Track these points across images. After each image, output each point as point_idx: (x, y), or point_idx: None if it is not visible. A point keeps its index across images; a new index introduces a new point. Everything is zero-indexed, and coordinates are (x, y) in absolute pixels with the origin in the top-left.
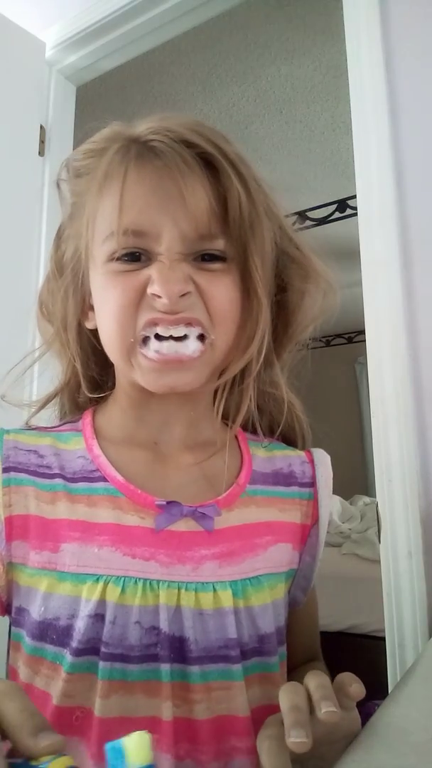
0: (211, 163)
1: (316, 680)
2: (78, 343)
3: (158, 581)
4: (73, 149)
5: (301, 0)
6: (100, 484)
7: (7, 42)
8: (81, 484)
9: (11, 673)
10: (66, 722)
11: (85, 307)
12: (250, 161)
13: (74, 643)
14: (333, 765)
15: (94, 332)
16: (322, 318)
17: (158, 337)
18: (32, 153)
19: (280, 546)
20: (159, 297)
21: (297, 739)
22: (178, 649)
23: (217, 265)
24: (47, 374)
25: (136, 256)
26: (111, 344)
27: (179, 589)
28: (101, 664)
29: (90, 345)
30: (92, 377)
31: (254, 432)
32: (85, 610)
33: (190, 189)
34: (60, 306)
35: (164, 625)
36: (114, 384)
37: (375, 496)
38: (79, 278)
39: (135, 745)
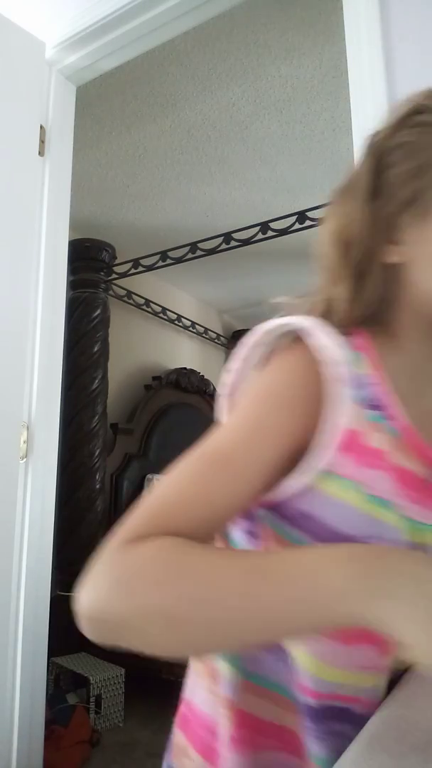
0: None
1: None
2: (370, 274)
3: None
4: (73, 149)
5: (301, 0)
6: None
7: (7, 42)
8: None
9: None
10: None
11: (392, 238)
12: None
13: None
14: None
15: (380, 267)
16: None
17: None
18: (32, 153)
19: None
20: None
21: None
22: None
23: None
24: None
25: None
26: None
27: None
28: None
29: (372, 281)
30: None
31: None
32: None
33: None
34: (361, 233)
35: None
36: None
37: None
38: (408, 204)
39: None
